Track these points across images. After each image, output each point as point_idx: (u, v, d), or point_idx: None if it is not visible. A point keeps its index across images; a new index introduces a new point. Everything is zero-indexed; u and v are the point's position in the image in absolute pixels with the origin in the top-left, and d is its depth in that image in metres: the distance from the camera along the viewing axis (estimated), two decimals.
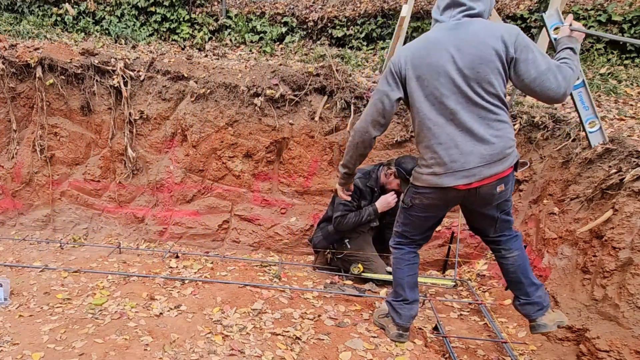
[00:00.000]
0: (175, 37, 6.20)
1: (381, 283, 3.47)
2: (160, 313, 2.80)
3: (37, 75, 4.11)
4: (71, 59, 4.15)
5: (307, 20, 6.11)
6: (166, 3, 6.13)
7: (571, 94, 2.66)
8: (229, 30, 6.20)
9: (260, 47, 5.89)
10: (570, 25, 2.31)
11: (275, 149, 4.06)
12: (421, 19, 5.67)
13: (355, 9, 6.12)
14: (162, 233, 4.32)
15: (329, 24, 6.07)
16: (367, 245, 3.60)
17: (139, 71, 4.15)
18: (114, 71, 4.09)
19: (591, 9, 5.20)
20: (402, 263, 2.59)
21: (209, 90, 3.98)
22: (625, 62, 4.95)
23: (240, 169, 4.10)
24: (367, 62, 5.40)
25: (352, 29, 5.96)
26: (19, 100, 4.30)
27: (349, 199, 2.90)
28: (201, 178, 4.22)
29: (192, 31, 6.18)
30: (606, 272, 2.49)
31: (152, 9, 6.16)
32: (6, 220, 4.53)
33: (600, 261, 2.55)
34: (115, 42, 6.00)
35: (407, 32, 4.54)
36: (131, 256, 3.92)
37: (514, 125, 3.49)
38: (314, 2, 6.42)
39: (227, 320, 2.75)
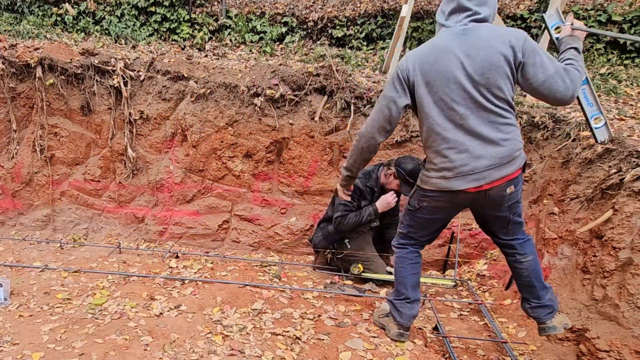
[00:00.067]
0: (175, 37, 6.20)
1: (381, 283, 3.47)
2: (160, 313, 2.80)
3: (37, 75, 4.11)
4: (71, 59, 4.15)
5: (307, 20, 6.11)
6: (166, 3, 6.13)
7: None
8: (229, 30, 6.20)
9: (260, 47, 5.89)
10: (572, 24, 2.31)
11: (275, 149, 4.06)
12: (421, 19, 5.67)
13: (355, 9, 6.12)
14: (162, 233, 4.32)
15: (329, 24, 6.07)
16: (367, 245, 3.61)
17: (139, 71, 4.15)
18: (114, 71, 4.09)
19: (591, 9, 5.20)
20: (405, 262, 2.59)
21: (209, 90, 3.98)
22: (625, 62, 4.95)
23: (240, 169, 4.10)
24: (367, 62, 5.40)
25: (352, 29, 5.96)
26: (19, 100, 4.31)
27: (349, 199, 2.91)
28: (201, 178, 4.22)
29: (192, 31, 6.18)
30: (606, 272, 2.49)
31: (152, 9, 6.17)
32: (6, 220, 4.53)
33: (600, 261, 2.55)
34: (115, 42, 6.01)
35: (407, 32, 4.55)
36: (131, 256, 3.92)
37: None
38: (314, 2, 6.42)
39: (227, 320, 2.75)
